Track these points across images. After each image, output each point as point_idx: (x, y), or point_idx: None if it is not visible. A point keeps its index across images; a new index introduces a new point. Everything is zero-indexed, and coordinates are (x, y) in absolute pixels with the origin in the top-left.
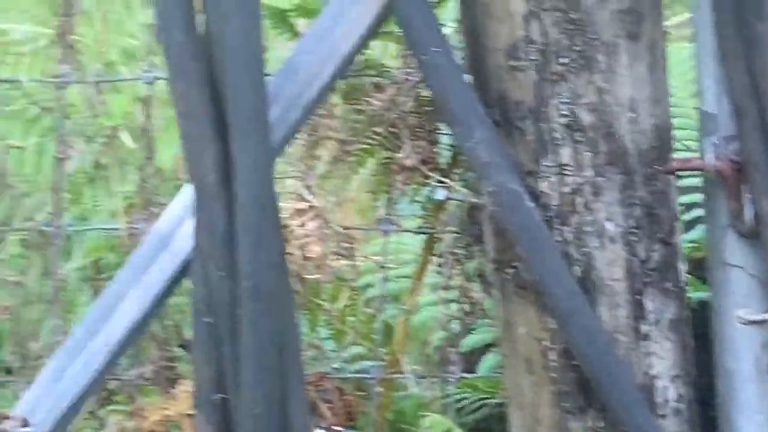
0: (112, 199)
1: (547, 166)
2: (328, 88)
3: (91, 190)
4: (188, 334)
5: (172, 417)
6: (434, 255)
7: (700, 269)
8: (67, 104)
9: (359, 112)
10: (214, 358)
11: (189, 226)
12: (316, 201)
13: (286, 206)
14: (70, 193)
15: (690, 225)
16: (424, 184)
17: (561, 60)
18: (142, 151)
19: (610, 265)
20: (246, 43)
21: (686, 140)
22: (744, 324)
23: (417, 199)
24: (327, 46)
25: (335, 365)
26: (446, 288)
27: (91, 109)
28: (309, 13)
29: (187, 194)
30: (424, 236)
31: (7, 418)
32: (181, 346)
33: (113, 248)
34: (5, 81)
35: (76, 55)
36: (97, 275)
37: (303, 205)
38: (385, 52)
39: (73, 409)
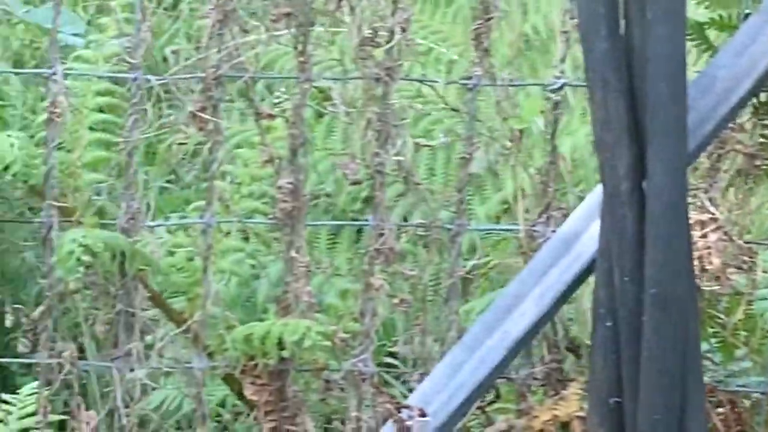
0: (487, 201)
1: None
2: (743, 103)
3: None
4: (577, 337)
5: (561, 418)
6: None
7: None
8: (477, 107)
9: None
10: (612, 361)
11: (594, 230)
12: (718, 213)
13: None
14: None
15: None
16: None
17: None
18: (543, 154)
19: None
20: (670, 53)
21: None
22: None
23: None
24: (744, 61)
25: (719, 378)
26: None
27: (499, 112)
28: (725, 27)
29: (593, 198)
30: None
31: (406, 407)
32: (569, 349)
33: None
34: (418, 80)
35: (489, 59)
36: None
37: (705, 217)
38: None
39: (467, 403)
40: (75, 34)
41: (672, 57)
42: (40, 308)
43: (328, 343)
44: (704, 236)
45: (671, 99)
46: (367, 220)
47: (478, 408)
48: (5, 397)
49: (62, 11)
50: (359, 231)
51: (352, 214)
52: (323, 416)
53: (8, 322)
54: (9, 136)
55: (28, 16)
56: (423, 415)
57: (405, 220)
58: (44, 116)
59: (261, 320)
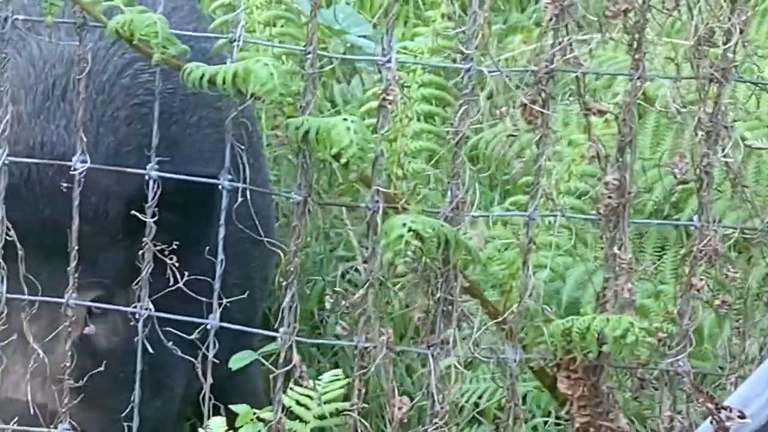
0: None
1: None
2: None
3: None
4: None
5: None
6: None
7: None
8: None
9: None
10: None
11: None
12: None
13: None
14: None
15: None
16: None
17: None
18: None
19: None
20: None
21: None
22: None
23: None
24: None
25: None
26: None
27: None
28: None
29: None
30: None
31: (725, 408)
32: None
33: None
34: (753, 83)
35: None
36: None
37: None
38: None
39: None
40: (363, 36)
41: None
42: (360, 291)
43: (651, 340)
44: None
45: None
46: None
47: None
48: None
49: (351, 13)
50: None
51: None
52: (632, 414)
53: (327, 304)
54: (345, 120)
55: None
56: (742, 417)
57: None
58: (374, 104)
59: (578, 314)
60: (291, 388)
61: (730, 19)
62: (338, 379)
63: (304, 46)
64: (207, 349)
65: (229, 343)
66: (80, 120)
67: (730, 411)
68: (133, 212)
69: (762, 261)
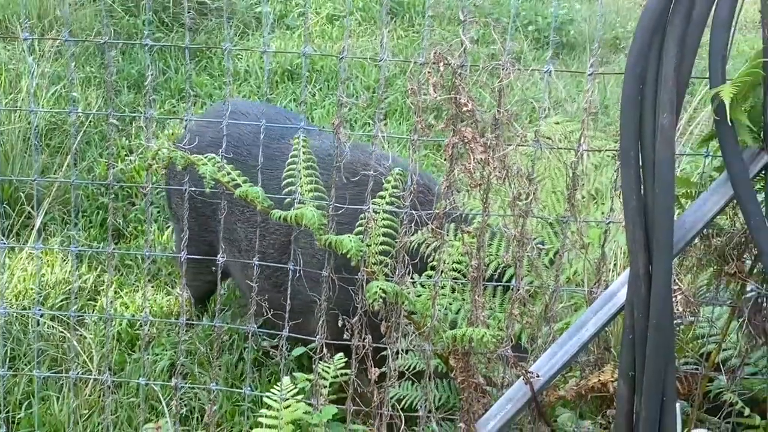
0: None
1: None
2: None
3: None
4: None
5: (601, 382)
6: None
7: None
8: None
9: None
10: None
11: None
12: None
13: None
14: None
15: None
16: None
17: None
18: None
19: None
20: None
21: None
22: None
23: None
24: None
25: None
26: None
27: None
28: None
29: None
30: None
31: (530, 372)
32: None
33: None
34: None
35: None
36: None
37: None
38: None
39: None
40: None
41: None
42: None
43: (494, 340)
44: None
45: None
46: None
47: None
48: None
49: None
50: None
51: None
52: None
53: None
54: (350, 238)
55: None
56: (537, 376)
57: None
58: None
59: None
60: None
61: None
62: None
63: None
64: None
65: None
66: None
67: (532, 373)
68: None
69: None
